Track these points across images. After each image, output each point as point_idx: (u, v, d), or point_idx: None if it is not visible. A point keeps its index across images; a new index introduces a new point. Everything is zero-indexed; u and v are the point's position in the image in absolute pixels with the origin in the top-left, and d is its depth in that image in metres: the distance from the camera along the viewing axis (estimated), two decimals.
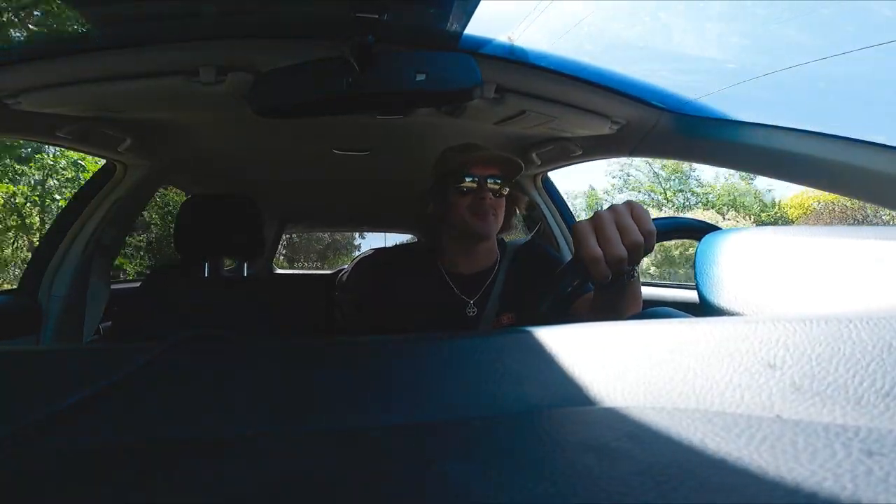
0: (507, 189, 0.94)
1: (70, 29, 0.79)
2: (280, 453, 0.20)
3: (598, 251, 0.51)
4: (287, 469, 0.18)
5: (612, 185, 14.68)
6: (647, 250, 0.53)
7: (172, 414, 0.25)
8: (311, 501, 0.16)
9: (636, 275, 0.60)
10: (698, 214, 11.51)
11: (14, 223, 5.83)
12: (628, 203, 0.53)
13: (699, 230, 0.51)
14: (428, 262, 0.97)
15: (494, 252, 0.99)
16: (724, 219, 12.02)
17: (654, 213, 0.61)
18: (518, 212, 1.02)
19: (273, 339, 0.36)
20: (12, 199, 5.75)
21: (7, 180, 5.72)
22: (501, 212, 0.94)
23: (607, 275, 0.52)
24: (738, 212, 12.93)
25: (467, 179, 0.90)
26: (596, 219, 0.52)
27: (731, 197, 13.55)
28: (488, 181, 0.90)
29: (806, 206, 11.59)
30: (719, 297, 0.35)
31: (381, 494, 0.17)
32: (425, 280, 0.95)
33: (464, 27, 0.77)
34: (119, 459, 0.21)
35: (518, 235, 1.42)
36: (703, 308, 0.36)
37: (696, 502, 0.14)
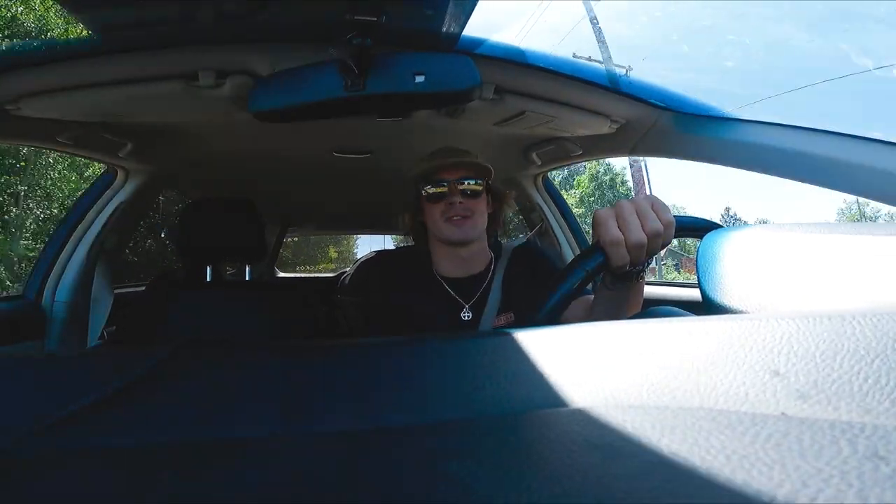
0: (481, 187, 0.90)
1: (70, 34, 0.80)
2: (283, 454, 0.20)
3: (619, 234, 0.52)
4: (290, 470, 0.18)
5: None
6: (666, 242, 0.54)
7: (178, 417, 0.25)
8: (314, 502, 0.16)
9: (644, 275, 0.60)
10: None
11: None
12: (648, 195, 0.55)
13: (701, 228, 0.51)
14: (425, 266, 0.96)
15: (487, 254, 0.97)
16: None
17: None
18: (506, 208, 1.00)
19: (276, 341, 0.36)
20: None
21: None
22: (480, 213, 0.91)
23: (626, 261, 0.53)
24: None
25: (435, 187, 0.89)
26: (617, 206, 0.54)
27: None
28: (458, 184, 0.88)
29: None
30: (722, 295, 0.35)
31: (382, 495, 0.17)
32: (422, 284, 0.94)
33: (462, 28, 0.77)
34: (125, 463, 0.21)
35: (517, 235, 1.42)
36: (706, 306, 0.36)
37: (700, 501, 0.14)
